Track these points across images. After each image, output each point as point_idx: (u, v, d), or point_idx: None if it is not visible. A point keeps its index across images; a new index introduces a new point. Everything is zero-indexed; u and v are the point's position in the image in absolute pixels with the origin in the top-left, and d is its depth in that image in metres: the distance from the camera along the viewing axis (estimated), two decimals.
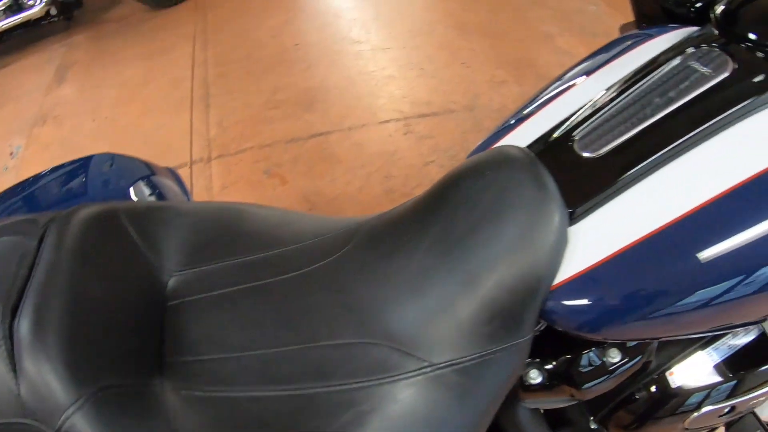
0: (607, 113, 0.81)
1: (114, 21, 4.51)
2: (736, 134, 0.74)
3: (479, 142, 0.97)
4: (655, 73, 0.83)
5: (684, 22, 1.06)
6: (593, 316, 0.74)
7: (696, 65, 0.81)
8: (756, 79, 0.76)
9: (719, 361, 0.95)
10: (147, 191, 1.18)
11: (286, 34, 3.59)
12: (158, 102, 3.24)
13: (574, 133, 0.81)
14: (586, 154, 0.78)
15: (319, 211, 2.36)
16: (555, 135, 0.84)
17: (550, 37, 3.35)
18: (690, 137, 0.74)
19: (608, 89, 0.86)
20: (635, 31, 1.05)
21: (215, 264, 0.85)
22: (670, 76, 0.82)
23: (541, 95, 0.95)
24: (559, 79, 0.98)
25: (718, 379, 0.94)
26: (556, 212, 0.73)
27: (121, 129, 3.16)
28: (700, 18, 1.04)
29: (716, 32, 0.85)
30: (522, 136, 0.88)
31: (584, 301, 0.73)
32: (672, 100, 0.78)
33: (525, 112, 0.94)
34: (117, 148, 2.81)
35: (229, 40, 3.66)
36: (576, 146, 0.79)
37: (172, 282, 0.84)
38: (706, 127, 0.74)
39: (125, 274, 0.80)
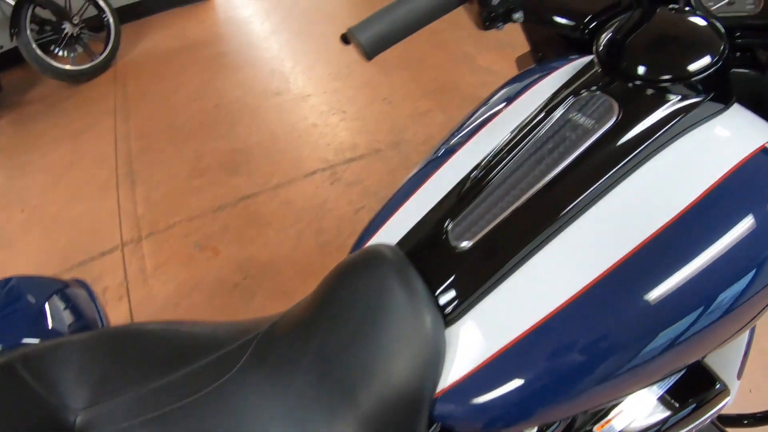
0: (482, 193, 0.77)
1: (35, 102, 4.40)
2: (615, 201, 0.69)
3: (367, 225, 0.93)
4: (534, 134, 0.78)
5: (580, 48, 1.04)
6: (490, 416, 0.69)
7: (577, 118, 0.76)
8: (641, 128, 0.72)
9: (662, 394, 0.93)
10: (59, 308, 1.13)
11: (206, 95, 3.53)
12: (85, 184, 3.15)
13: (447, 222, 0.77)
14: (460, 245, 0.74)
15: (254, 279, 2.29)
16: (427, 226, 0.79)
17: (470, 57, 3.34)
18: (570, 209, 0.70)
19: (485, 161, 0.81)
20: (529, 68, 1.01)
21: (117, 397, 0.82)
22: (550, 135, 0.77)
23: (420, 172, 0.91)
24: (439, 145, 0.93)
25: (665, 414, 0.92)
26: (428, 317, 0.70)
27: (51, 218, 3.05)
28: (592, 42, 1.03)
29: (600, 69, 0.80)
30: (396, 228, 0.84)
31: (477, 401, 0.69)
32: (550, 168, 0.73)
33: (402, 192, 0.90)
34: (48, 239, 2.76)
35: (150, 109, 3.59)
36: (450, 237, 0.75)
37: (79, 421, 0.81)
38: (586, 195, 0.70)
39: (29, 425, 0.77)
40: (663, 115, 0.72)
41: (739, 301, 0.67)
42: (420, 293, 0.71)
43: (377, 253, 0.78)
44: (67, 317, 1.12)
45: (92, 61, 4.17)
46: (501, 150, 0.81)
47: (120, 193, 2.96)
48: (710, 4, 0.86)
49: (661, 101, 0.72)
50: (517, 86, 0.94)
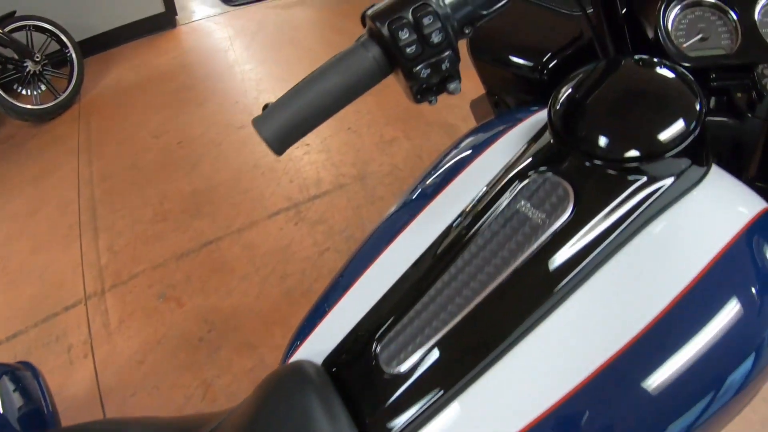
0: (418, 303, 0.68)
1: None
2: (575, 307, 0.61)
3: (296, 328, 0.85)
4: (478, 226, 0.68)
5: (538, 92, 0.99)
6: None
7: (527, 209, 0.66)
8: (602, 220, 0.62)
9: None
10: (8, 392, 1.10)
11: (169, 131, 3.44)
12: (48, 233, 3.05)
13: (375, 343, 0.68)
14: (391, 369, 0.65)
15: (219, 332, 2.22)
16: (354, 343, 0.72)
17: None
18: (518, 330, 0.61)
19: (423, 258, 0.72)
20: (483, 124, 0.92)
21: None
22: (495, 231, 0.67)
23: (354, 264, 0.82)
24: (378, 225, 0.85)
25: None
26: None
27: (13, 270, 2.95)
28: (552, 83, 0.95)
29: (553, 141, 0.70)
30: (324, 338, 0.77)
31: None
32: (496, 273, 0.64)
33: (334, 291, 0.82)
34: (12, 292, 2.67)
35: (113, 149, 3.49)
36: (380, 359, 0.67)
37: None
38: (541, 302, 0.61)
39: None
40: (629, 202, 0.62)
41: (746, 382, 0.60)
42: (342, 423, 0.65)
43: (301, 372, 0.71)
44: (16, 400, 1.09)
45: (56, 98, 4.05)
46: (441, 246, 0.72)
47: (83, 242, 2.87)
48: (681, 41, 0.82)
49: (626, 184, 0.63)
50: (465, 153, 0.84)
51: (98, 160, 3.44)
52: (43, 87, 4.11)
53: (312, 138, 3.03)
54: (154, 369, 2.15)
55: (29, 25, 3.98)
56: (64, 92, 4.08)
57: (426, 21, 0.58)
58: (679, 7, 0.85)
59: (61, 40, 4.14)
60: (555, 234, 0.63)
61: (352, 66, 0.61)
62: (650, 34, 0.84)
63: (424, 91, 0.63)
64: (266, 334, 2.17)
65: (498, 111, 1.17)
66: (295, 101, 0.62)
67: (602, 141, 0.63)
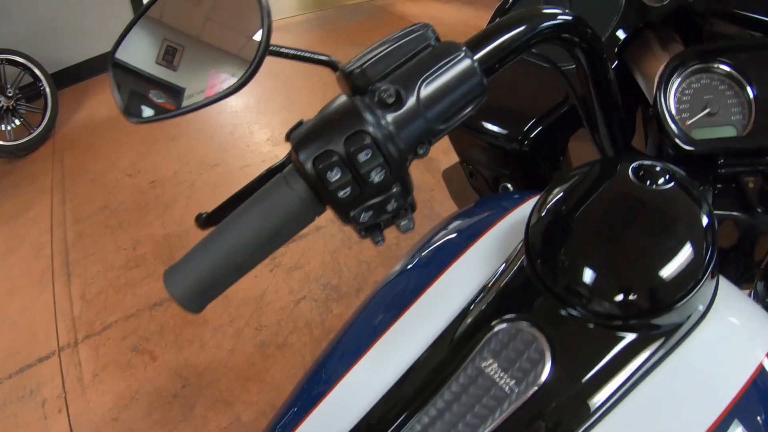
0: None
1: None
2: None
3: None
4: (439, 383, 0.57)
5: (518, 160, 0.90)
6: None
7: (493, 370, 0.54)
8: (579, 397, 0.51)
9: None
10: None
11: (142, 170, 3.36)
12: (21, 277, 2.96)
13: None
14: None
15: (193, 387, 2.15)
16: None
17: None
18: None
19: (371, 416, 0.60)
20: (459, 213, 0.82)
21: None
22: (458, 392, 0.55)
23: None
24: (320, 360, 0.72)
25: None
26: None
27: None
28: (534, 155, 0.87)
29: (529, 275, 0.57)
30: None
31: None
32: None
33: None
34: None
35: (86, 188, 3.40)
36: None
37: None
38: None
39: None
40: (623, 366, 0.51)
41: None
42: None
43: None
44: None
45: (30, 134, 3.96)
46: (393, 403, 0.60)
47: (56, 288, 2.79)
48: (685, 116, 0.72)
49: (618, 343, 0.52)
50: (438, 258, 0.73)
51: (71, 199, 3.36)
52: (17, 122, 4.02)
53: None
54: (129, 426, 2.08)
55: (1, 59, 3.89)
56: (38, 127, 4.00)
57: (362, 157, 0.45)
58: (683, 74, 0.75)
59: (35, 73, 4.05)
60: (526, 405, 0.52)
61: (275, 207, 0.50)
62: (649, 98, 0.77)
63: (367, 230, 0.52)
64: (241, 390, 2.11)
65: (473, 182, 1.09)
66: (212, 251, 0.51)
67: (590, 290, 0.52)
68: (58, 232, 3.14)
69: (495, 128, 0.92)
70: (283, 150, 3.22)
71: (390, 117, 0.47)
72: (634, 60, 0.94)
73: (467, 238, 0.72)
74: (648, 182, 0.54)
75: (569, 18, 0.58)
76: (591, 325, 0.53)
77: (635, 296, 0.50)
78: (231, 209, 0.52)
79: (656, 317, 0.51)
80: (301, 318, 2.27)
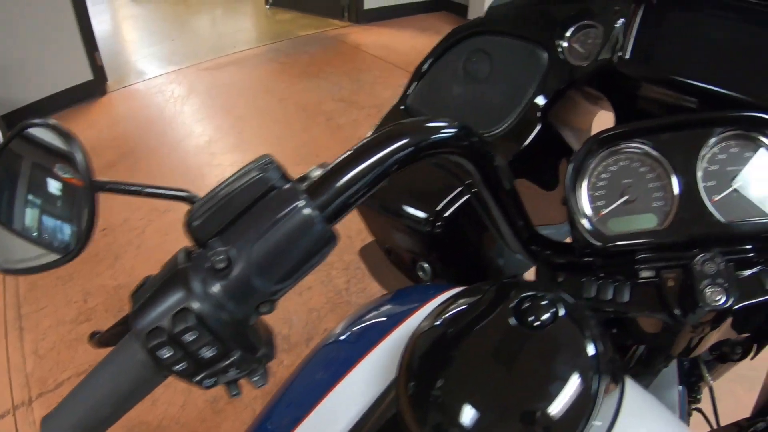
0: None
1: None
2: None
3: None
4: None
5: (434, 242, 0.85)
6: None
7: None
8: None
9: None
10: None
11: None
12: None
13: None
14: None
15: None
16: None
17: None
18: None
19: None
20: (377, 301, 0.77)
21: None
22: None
23: None
24: None
25: None
26: None
27: None
28: (448, 236, 0.82)
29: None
30: None
31: None
32: None
33: None
34: None
35: None
36: None
37: None
38: None
39: None
40: None
41: None
42: None
43: None
44: None
45: None
46: None
47: (9, 344, 2.73)
48: (600, 204, 0.65)
49: None
50: (335, 364, 0.68)
51: None
52: None
53: None
54: None
55: None
56: None
57: (189, 337, 0.43)
58: (599, 156, 0.68)
59: None
60: None
61: (121, 371, 0.48)
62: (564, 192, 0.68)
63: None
64: None
65: (392, 259, 1.06)
66: (82, 400, 0.50)
67: None
68: (11, 283, 3.08)
69: (405, 209, 0.87)
70: None
71: (219, 285, 0.44)
72: (562, 118, 0.95)
73: (366, 344, 0.68)
74: (531, 318, 0.49)
75: (451, 132, 0.54)
76: None
77: None
78: (125, 329, 0.51)
79: None
80: None
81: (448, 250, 0.88)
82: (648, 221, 0.64)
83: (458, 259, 0.91)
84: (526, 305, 0.50)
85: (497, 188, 0.62)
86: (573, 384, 0.45)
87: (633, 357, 0.83)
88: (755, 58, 0.72)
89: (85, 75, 4.59)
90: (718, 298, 0.56)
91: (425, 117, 0.54)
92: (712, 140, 0.63)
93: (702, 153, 0.63)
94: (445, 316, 0.53)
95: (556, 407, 0.44)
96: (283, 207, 0.45)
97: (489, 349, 0.49)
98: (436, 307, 0.55)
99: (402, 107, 1.03)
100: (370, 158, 0.48)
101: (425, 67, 1.04)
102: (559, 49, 0.90)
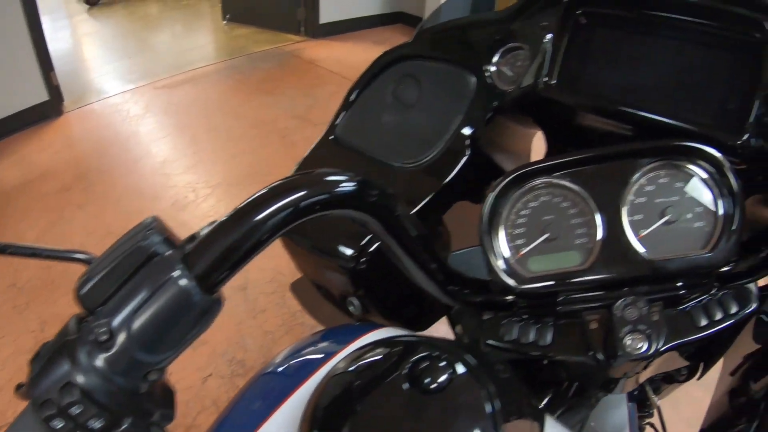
0: None
1: None
2: None
3: None
4: None
5: (357, 279, 0.82)
6: None
7: None
8: None
9: None
10: None
11: (50, 242, 3.25)
12: None
13: None
14: None
15: None
16: None
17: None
18: None
19: None
20: (310, 339, 0.75)
21: None
22: None
23: None
24: None
25: None
26: None
27: None
28: (373, 271, 0.79)
29: None
30: None
31: None
32: None
33: None
34: None
35: None
36: None
37: None
38: None
39: None
40: None
41: None
42: None
43: None
44: None
45: None
46: None
47: None
48: (520, 243, 0.63)
49: None
50: (264, 400, 0.65)
51: None
52: None
53: None
54: None
55: None
56: None
57: (75, 410, 0.42)
58: (518, 192, 0.64)
59: None
60: None
61: None
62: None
63: None
64: None
65: (323, 293, 1.02)
66: None
67: None
68: None
69: (330, 246, 0.83)
70: (190, 215, 3.19)
71: (102, 358, 0.43)
72: (497, 143, 0.92)
73: (291, 383, 0.65)
74: (427, 380, 0.48)
75: (349, 188, 0.51)
76: None
77: None
78: None
79: None
80: (208, 397, 2.25)
81: (375, 285, 0.85)
82: (571, 259, 0.61)
83: (386, 294, 0.88)
84: (424, 365, 0.48)
85: (403, 238, 0.59)
86: None
87: (570, 388, 0.80)
88: (687, 83, 0.70)
89: (41, 95, 4.47)
90: (639, 346, 0.54)
91: (321, 171, 0.50)
92: (639, 172, 0.60)
93: (628, 186, 0.60)
94: (351, 369, 0.52)
95: None
96: (159, 278, 0.44)
97: (384, 413, 0.48)
98: (341, 361, 0.54)
99: (331, 137, 1.01)
100: (254, 218, 0.44)
101: (353, 96, 1.02)
102: (487, 74, 0.87)
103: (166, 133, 4.21)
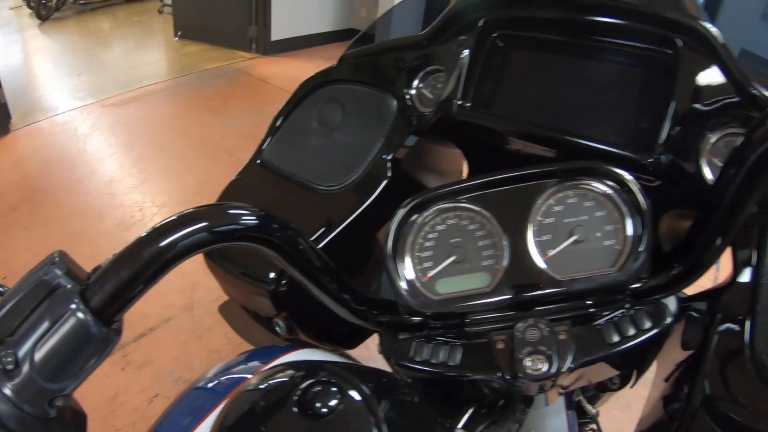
0: None
1: None
2: None
3: None
4: None
5: (280, 302, 0.82)
6: None
7: None
8: None
9: None
10: None
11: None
12: None
13: None
14: None
15: None
16: None
17: None
18: None
19: None
20: (245, 356, 0.76)
21: None
22: None
23: None
24: None
25: None
26: None
27: None
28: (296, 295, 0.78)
29: None
30: None
31: None
32: None
33: None
34: None
35: None
36: None
37: None
38: None
39: None
40: None
41: None
42: None
43: None
44: None
45: None
46: None
47: None
48: (427, 265, 0.63)
49: None
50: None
51: None
52: None
53: None
54: None
55: None
56: None
57: None
58: (423, 215, 0.65)
59: None
60: None
61: None
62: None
63: None
64: None
65: (251, 314, 1.04)
66: None
67: None
68: None
69: (251, 269, 0.83)
70: (130, 237, 3.15)
71: (9, 386, 0.44)
72: (425, 163, 0.93)
73: (206, 406, 0.66)
74: (318, 404, 0.48)
75: (251, 222, 0.52)
76: None
77: None
78: None
79: None
80: (155, 417, 2.22)
81: (298, 307, 0.86)
82: (478, 281, 0.61)
83: (309, 315, 0.89)
84: (316, 389, 0.49)
85: (306, 269, 0.60)
86: None
87: (495, 404, 0.80)
88: (601, 103, 0.71)
89: None
90: (539, 367, 0.54)
91: (225, 204, 0.51)
92: (545, 194, 0.61)
93: (533, 207, 0.61)
94: (253, 390, 0.53)
95: None
96: (58, 311, 0.45)
97: None
98: (249, 381, 0.55)
99: (258, 161, 1.02)
100: (152, 251, 0.46)
101: (279, 121, 1.02)
102: (408, 96, 0.88)
103: (113, 152, 4.16)
